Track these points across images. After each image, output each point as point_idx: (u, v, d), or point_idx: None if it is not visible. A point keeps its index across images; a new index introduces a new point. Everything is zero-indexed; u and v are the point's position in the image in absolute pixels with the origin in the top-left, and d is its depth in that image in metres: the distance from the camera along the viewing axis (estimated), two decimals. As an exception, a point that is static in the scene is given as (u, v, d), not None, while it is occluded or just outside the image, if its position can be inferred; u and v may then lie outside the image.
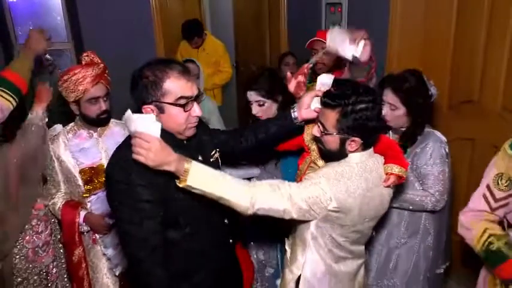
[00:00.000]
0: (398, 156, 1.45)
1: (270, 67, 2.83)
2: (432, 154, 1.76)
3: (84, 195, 1.88)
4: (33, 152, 1.78)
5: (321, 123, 1.38)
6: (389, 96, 1.78)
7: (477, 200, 1.46)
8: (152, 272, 1.32)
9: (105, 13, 3.67)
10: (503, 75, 2.25)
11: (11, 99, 1.67)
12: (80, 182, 1.86)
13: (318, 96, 1.47)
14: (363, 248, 1.55)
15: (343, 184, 1.33)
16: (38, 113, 1.82)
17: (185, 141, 1.42)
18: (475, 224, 1.43)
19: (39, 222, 1.92)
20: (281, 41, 3.94)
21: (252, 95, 1.88)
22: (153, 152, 1.17)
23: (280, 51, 3.82)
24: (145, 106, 1.30)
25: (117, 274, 1.92)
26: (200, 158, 1.44)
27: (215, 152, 1.55)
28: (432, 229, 1.87)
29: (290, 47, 3.86)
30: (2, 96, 1.65)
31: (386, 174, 1.41)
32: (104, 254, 1.92)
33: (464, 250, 2.17)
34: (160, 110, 1.30)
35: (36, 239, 1.91)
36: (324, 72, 2.17)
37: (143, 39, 3.85)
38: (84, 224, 1.87)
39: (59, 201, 1.89)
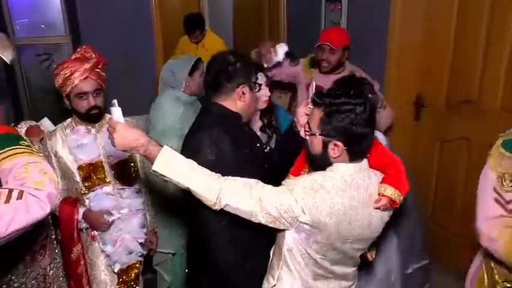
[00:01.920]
0: (399, 177, 1.30)
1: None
2: None
3: (83, 192, 1.87)
4: None
5: (308, 123, 1.32)
6: None
7: (489, 206, 1.34)
8: (221, 251, 1.42)
9: (103, 7, 3.65)
10: (502, 75, 2.26)
11: None
12: (78, 179, 1.84)
13: (309, 106, 1.49)
14: (350, 270, 1.39)
15: (320, 196, 1.21)
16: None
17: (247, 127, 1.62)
18: (500, 233, 1.31)
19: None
20: (280, 37, 3.92)
21: (263, 76, 1.89)
22: (116, 136, 1.26)
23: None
24: (240, 87, 1.48)
25: (116, 271, 1.91)
26: (258, 144, 1.62)
27: (266, 146, 1.68)
28: (401, 231, 1.87)
29: (289, 42, 3.84)
30: None
31: (379, 194, 1.27)
32: (103, 251, 1.91)
33: (443, 242, 2.19)
34: (252, 89, 1.52)
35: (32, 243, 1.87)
36: (327, 70, 2.54)
37: (142, 33, 3.82)
38: (82, 221, 1.86)
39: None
